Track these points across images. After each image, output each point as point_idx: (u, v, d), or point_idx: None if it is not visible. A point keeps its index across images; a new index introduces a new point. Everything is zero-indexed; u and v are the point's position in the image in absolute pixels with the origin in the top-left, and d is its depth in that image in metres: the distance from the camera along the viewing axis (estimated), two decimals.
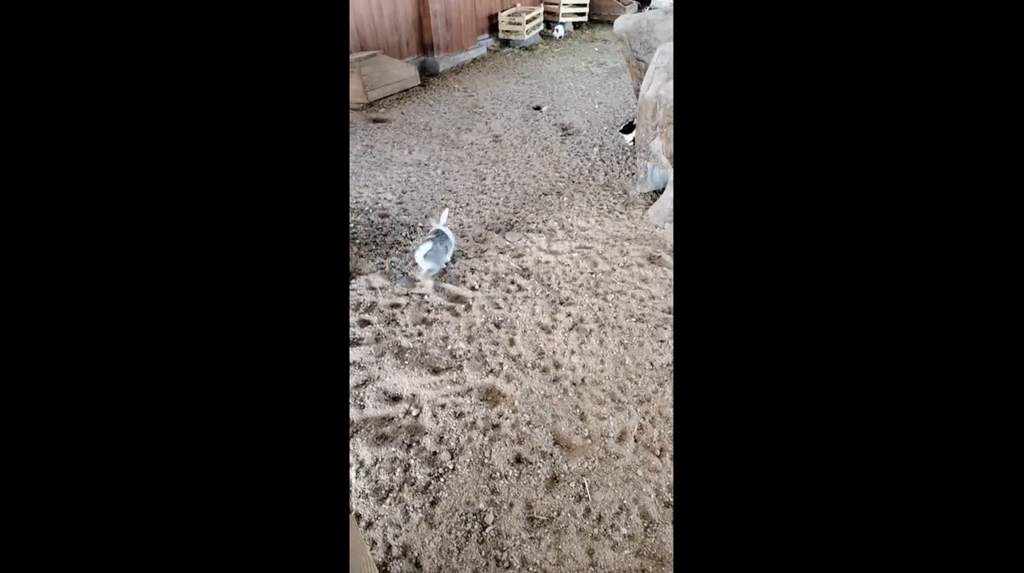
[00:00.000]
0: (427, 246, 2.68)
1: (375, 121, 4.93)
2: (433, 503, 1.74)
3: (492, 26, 7.24)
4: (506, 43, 7.35)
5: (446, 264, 2.85)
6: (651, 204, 3.47)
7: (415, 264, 2.82)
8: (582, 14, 8.35)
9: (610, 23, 8.11)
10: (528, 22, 7.16)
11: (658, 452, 1.89)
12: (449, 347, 2.38)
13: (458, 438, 1.95)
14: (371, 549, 1.61)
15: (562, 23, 7.99)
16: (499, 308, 2.61)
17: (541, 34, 7.77)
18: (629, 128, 4.26)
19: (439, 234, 2.79)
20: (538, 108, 5.23)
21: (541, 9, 7.64)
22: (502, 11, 7.24)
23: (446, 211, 2.98)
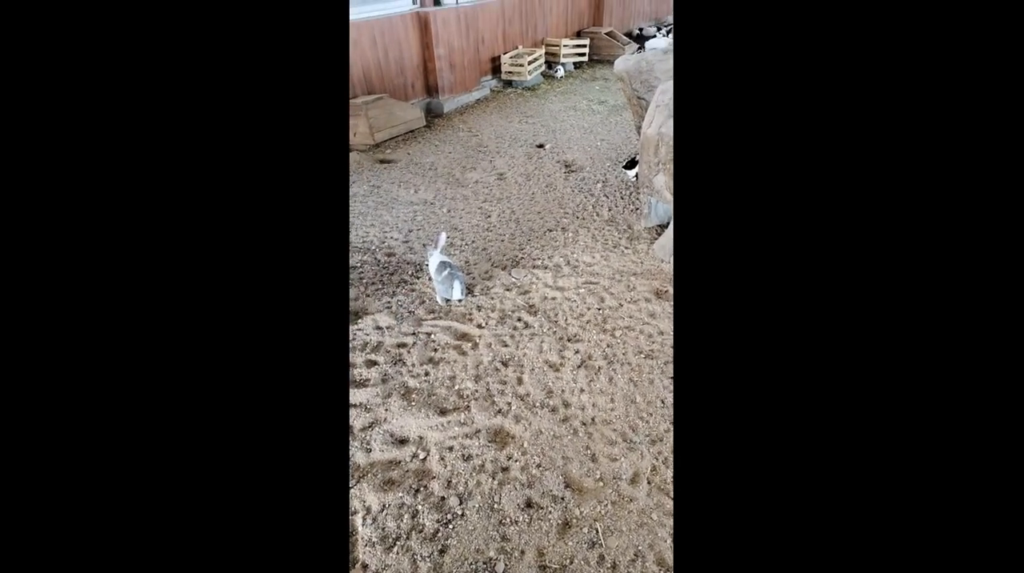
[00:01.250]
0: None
1: (382, 162, 5.02)
2: (442, 551, 1.68)
3: (495, 68, 7.45)
4: (509, 84, 7.55)
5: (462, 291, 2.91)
6: (656, 239, 3.48)
7: (448, 300, 2.89)
8: (582, 54, 8.59)
9: (610, 63, 8.33)
10: (530, 63, 7.36)
11: (672, 494, 1.83)
12: (456, 387, 2.36)
13: (467, 482, 1.91)
14: None
15: (563, 63, 8.22)
16: (506, 346, 2.59)
17: (543, 74, 7.98)
18: (632, 164, 4.32)
19: (450, 266, 2.84)
20: (541, 146, 5.32)
21: (543, 50, 7.87)
22: (504, 53, 7.46)
23: (443, 234, 2.99)
